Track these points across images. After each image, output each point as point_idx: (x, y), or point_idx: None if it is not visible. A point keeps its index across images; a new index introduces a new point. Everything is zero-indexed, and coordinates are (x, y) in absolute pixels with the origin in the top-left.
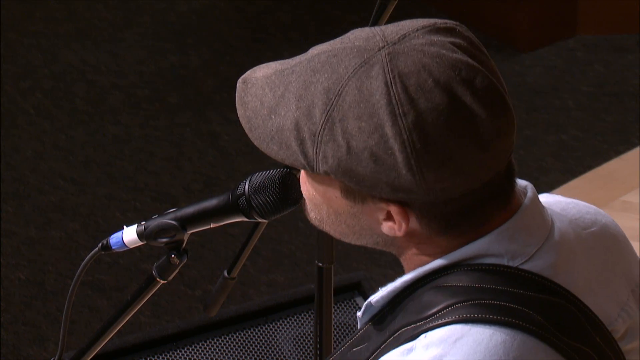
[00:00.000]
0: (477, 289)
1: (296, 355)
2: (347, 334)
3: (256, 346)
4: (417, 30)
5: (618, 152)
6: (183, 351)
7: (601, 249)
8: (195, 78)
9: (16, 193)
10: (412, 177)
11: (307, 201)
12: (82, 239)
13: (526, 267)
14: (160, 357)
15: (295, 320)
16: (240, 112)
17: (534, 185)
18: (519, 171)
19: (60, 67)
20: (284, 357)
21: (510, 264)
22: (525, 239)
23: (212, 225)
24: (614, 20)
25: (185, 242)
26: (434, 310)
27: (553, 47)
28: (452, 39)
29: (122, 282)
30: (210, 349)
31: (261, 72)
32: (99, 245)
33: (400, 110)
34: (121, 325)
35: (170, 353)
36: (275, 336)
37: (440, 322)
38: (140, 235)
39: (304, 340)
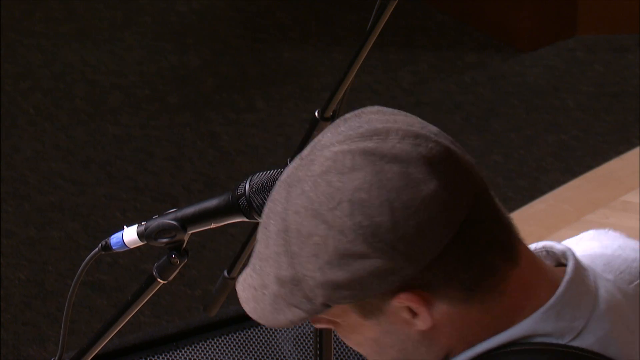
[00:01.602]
0: None
1: (296, 355)
2: None
3: (256, 346)
4: (325, 131)
5: (618, 152)
6: (183, 351)
7: None
8: (195, 78)
9: (16, 193)
10: (383, 255)
11: (356, 349)
12: (82, 239)
13: (576, 343)
14: (160, 357)
15: None
16: (247, 310)
17: (534, 185)
18: (519, 171)
19: (60, 67)
20: (284, 357)
21: (559, 341)
22: (572, 314)
23: (213, 225)
24: (614, 20)
25: (185, 242)
26: None
27: (553, 47)
28: (358, 120)
29: (122, 282)
30: (210, 349)
31: (247, 267)
32: (99, 245)
33: (331, 205)
34: (121, 325)
35: (170, 353)
36: (275, 336)
37: None
38: (140, 235)
39: (304, 340)
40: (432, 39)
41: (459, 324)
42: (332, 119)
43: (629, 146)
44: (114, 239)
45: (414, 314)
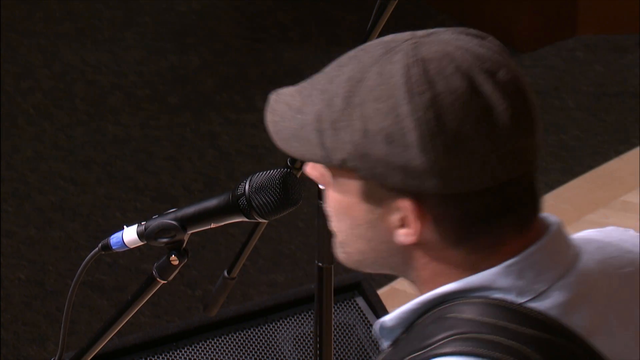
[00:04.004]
0: (476, 322)
1: (296, 355)
2: (347, 334)
3: (256, 346)
4: (448, 29)
5: (618, 152)
6: (183, 351)
7: (632, 291)
8: (195, 78)
9: (16, 193)
10: (425, 157)
11: (330, 217)
12: (82, 239)
13: (532, 304)
14: (160, 357)
15: (295, 320)
16: (268, 118)
17: None
18: None
19: (60, 67)
20: (284, 357)
21: (518, 299)
22: (534, 277)
23: (212, 225)
24: (614, 20)
25: (185, 242)
26: (433, 340)
27: (553, 47)
28: (481, 41)
29: (122, 282)
30: (210, 349)
31: (294, 86)
32: (99, 245)
33: (417, 90)
34: (121, 325)
35: (170, 353)
36: (275, 336)
37: (436, 352)
38: (140, 235)
39: (304, 340)
40: None
41: (438, 260)
42: None
43: (629, 146)
44: (114, 238)
45: (403, 224)
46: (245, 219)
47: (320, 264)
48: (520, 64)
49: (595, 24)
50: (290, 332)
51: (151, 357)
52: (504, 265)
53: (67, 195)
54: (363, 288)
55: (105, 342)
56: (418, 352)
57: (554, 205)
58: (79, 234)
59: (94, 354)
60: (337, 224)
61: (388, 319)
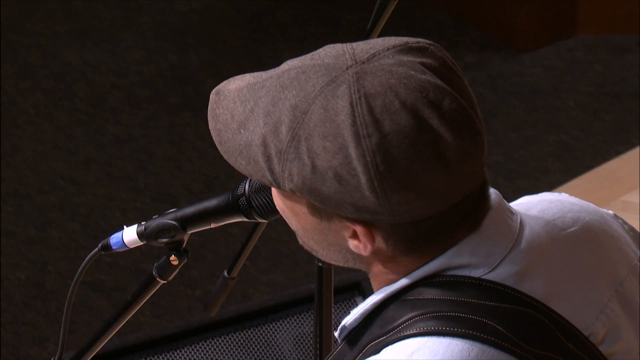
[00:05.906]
0: (437, 301)
1: (296, 355)
2: None
3: (256, 346)
4: (388, 49)
5: (618, 152)
6: (183, 351)
7: (581, 249)
8: (195, 78)
9: (16, 193)
10: (375, 199)
11: (287, 222)
12: (82, 239)
13: (489, 277)
14: (160, 357)
15: (295, 320)
16: (211, 124)
17: (534, 185)
18: (519, 171)
19: (60, 67)
20: (284, 357)
21: (473, 274)
22: (488, 250)
23: (212, 225)
24: (614, 20)
25: (185, 242)
26: (396, 324)
27: (553, 47)
28: (423, 59)
29: (122, 282)
30: (210, 349)
31: (234, 85)
32: (99, 245)
33: (365, 132)
34: (121, 325)
35: (170, 353)
36: (275, 336)
37: (400, 335)
38: (140, 235)
39: (304, 340)
40: (432, 39)
41: (389, 262)
42: None
43: (629, 146)
44: (114, 239)
45: (354, 236)
46: (245, 219)
47: (320, 264)
48: (520, 64)
49: (595, 24)
50: (290, 332)
51: (151, 357)
52: (457, 246)
53: (67, 195)
54: (363, 288)
55: (105, 342)
56: (382, 337)
57: None
58: (79, 234)
59: (94, 354)
60: (287, 220)
61: (350, 320)
